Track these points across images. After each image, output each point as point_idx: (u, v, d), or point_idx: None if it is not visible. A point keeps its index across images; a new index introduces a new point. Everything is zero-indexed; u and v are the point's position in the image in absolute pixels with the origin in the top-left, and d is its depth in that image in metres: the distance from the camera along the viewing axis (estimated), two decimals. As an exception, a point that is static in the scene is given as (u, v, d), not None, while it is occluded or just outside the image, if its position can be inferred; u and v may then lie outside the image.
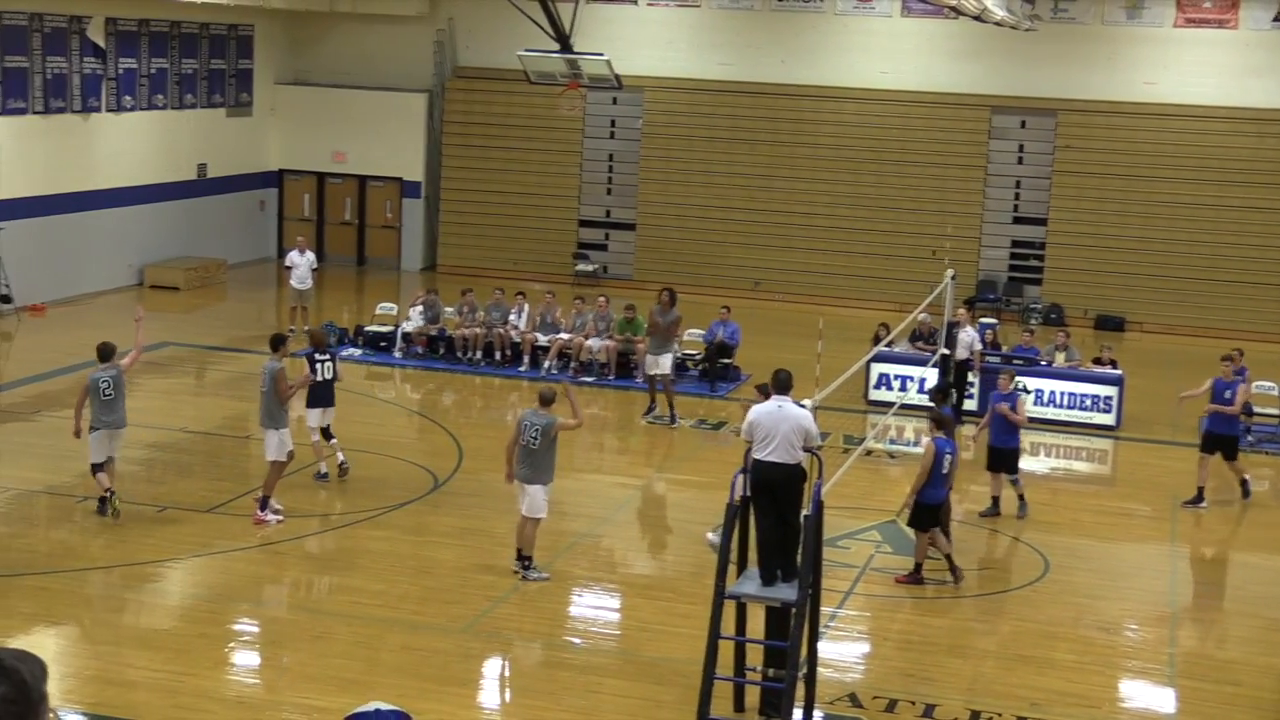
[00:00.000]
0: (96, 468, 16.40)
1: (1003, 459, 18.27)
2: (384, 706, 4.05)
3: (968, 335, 22.66)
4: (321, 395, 17.94)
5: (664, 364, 22.05)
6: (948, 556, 15.83)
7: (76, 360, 23.34)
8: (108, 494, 16.28)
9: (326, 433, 18.19)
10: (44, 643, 13.00)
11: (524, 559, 15.18)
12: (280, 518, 16.53)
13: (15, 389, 20.43)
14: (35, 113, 27.63)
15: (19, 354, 22.33)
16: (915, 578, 15.70)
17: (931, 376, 22.44)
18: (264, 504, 16.54)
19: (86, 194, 29.08)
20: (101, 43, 29.02)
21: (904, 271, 31.58)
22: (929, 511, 15.72)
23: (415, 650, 13.27)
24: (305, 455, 17.77)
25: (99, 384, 16.38)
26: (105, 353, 16.68)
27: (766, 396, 12.60)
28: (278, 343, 17.23)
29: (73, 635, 13.44)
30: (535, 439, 14.86)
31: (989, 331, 24.81)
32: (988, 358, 23.20)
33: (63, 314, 27.41)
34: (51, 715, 3.33)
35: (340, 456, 18.26)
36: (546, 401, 15.11)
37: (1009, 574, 16.62)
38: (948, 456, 15.74)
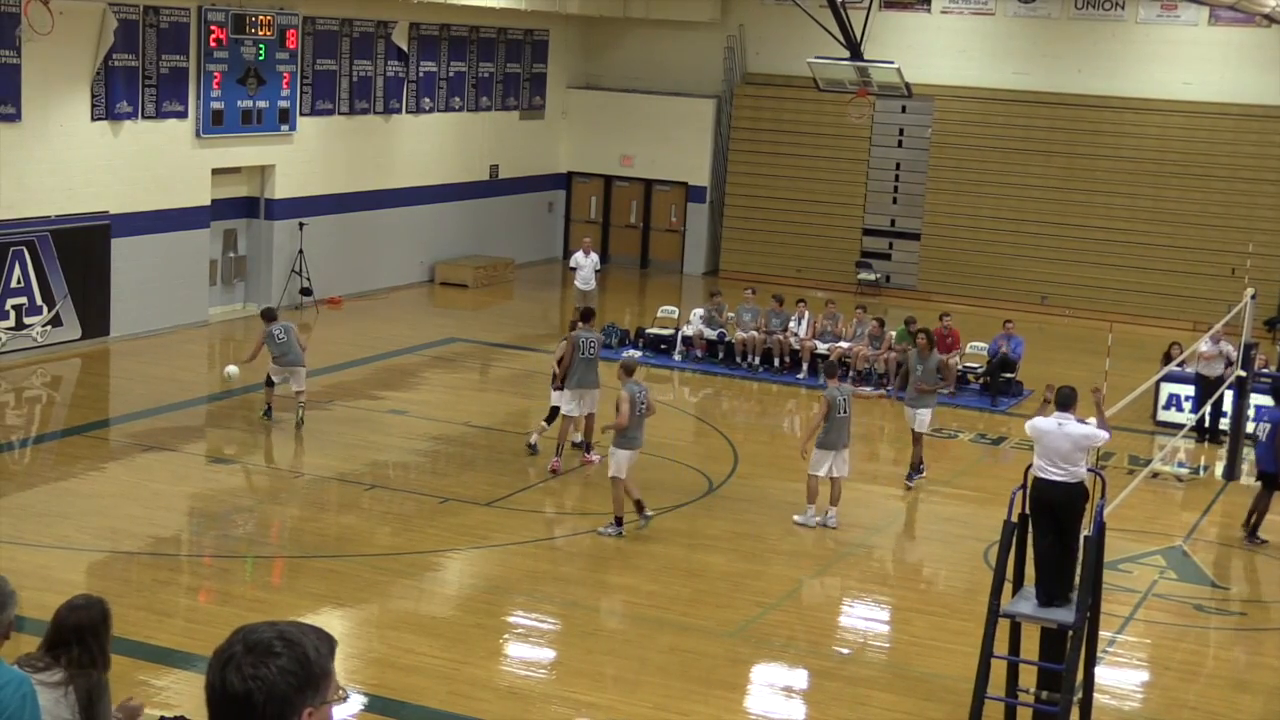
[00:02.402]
0: (270, 383, 19.69)
1: None
2: None
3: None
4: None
5: (922, 419, 18.91)
6: None
7: (369, 352, 24.25)
8: (269, 408, 19.84)
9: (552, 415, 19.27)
10: (331, 623, 13.47)
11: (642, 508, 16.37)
12: (595, 458, 18.56)
13: (312, 378, 21.20)
14: (340, 114, 28.79)
15: (316, 345, 23.20)
16: None
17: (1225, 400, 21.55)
18: (587, 448, 18.96)
19: (383, 192, 30.12)
20: (405, 47, 30.06)
21: (1200, 289, 30.41)
22: None
23: (684, 652, 13.35)
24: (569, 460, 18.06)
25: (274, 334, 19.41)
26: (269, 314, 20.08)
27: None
28: (588, 315, 19.83)
29: (357, 617, 13.92)
30: (644, 407, 16.30)
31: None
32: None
33: (358, 307, 28.44)
34: (340, 693, 3.35)
35: (534, 437, 19.18)
36: (630, 370, 16.68)
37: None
38: None
